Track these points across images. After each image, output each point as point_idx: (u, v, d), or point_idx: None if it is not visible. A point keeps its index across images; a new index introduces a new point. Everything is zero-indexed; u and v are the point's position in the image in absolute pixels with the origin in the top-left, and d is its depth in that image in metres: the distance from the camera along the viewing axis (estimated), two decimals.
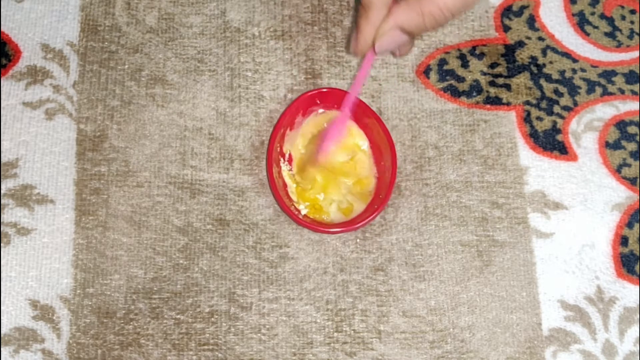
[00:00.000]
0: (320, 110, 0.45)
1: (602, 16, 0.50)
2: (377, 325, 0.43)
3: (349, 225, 0.43)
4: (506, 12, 0.50)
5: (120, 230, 0.43)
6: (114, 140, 0.45)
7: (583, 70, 0.49)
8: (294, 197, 0.44)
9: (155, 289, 0.42)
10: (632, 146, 0.47)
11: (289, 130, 0.45)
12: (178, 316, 0.42)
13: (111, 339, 0.41)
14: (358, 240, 0.44)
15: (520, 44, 0.49)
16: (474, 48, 0.49)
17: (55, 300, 0.42)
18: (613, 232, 0.45)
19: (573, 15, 0.50)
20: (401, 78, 0.48)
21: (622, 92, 0.49)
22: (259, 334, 0.42)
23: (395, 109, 0.47)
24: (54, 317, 0.42)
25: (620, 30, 0.50)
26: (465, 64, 0.48)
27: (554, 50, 0.49)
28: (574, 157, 0.47)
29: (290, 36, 0.48)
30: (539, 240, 0.45)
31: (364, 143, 0.45)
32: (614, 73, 0.49)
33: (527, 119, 0.47)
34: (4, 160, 0.44)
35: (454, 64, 0.48)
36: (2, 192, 0.43)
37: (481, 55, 0.48)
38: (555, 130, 0.47)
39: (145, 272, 0.43)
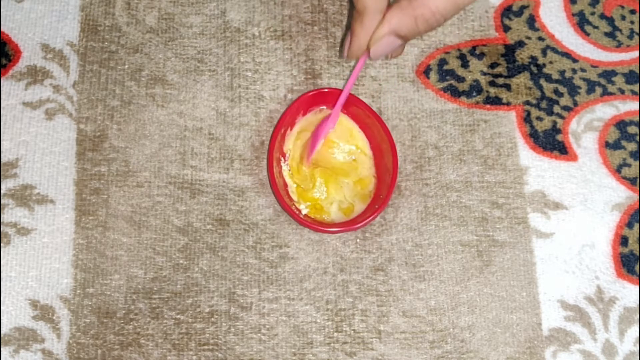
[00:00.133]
0: (318, 109, 0.45)
1: (602, 16, 0.50)
2: (377, 325, 0.43)
3: (350, 225, 0.43)
4: (506, 12, 0.50)
5: (120, 230, 0.43)
6: (114, 140, 0.45)
7: (583, 70, 0.49)
8: (294, 197, 0.44)
9: (155, 289, 0.42)
10: (632, 146, 0.47)
11: (289, 130, 0.45)
12: (178, 316, 0.42)
13: (111, 339, 0.41)
14: (358, 240, 0.44)
15: (520, 44, 0.49)
16: (474, 48, 0.49)
17: (55, 300, 0.42)
18: (613, 232, 0.45)
19: (573, 15, 0.50)
20: (401, 78, 0.48)
21: (622, 92, 0.49)
22: (259, 334, 0.42)
23: (395, 109, 0.47)
24: (54, 317, 0.42)
25: (620, 30, 0.50)
26: (465, 64, 0.48)
27: (554, 50, 0.49)
28: (574, 157, 0.47)
29: (290, 36, 0.48)
30: (539, 240, 0.45)
31: (365, 144, 0.45)
32: (614, 73, 0.49)
33: (527, 119, 0.47)
34: (4, 160, 0.44)
35: (454, 64, 0.48)
36: (2, 192, 0.43)
37: (481, 55, 0.48)
38: (555, 130, 0.47)
39: (145, 272, 0.43)
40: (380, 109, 0.47)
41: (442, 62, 0.48)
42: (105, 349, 0.41)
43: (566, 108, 0.48)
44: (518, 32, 0.49)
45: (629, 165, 0.47)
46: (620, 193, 0.46)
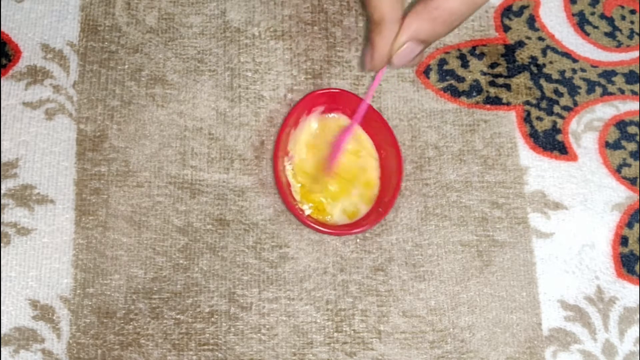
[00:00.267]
0: (320, 109, 0.45)
1: (602, 16, 0.50)
2: (377, 325, 0.43)
3: (353, 227, 0.43)
4: (506, 12, 0.50)
5: (120, 230, 0.43)
6: (114, 140, 0.45)
7: (583, 70, 0.49)
8: (297, 197, 0.44)
9: (155, 289, 0.42)
10: (632, 146, 0.47)
11: (293, 130, 0.45)
12: (178, 316, 0.42)
13: (111, 339, 0.41)
14: (358, 240, 0.44)
15: (520, 44, 0.49)
16: (474, 48, 0.49)
17: (55, 300, 0.42)
18: (613, 232, 0.45)
19: (573, 15, 0.50)
20: (401, 78, 0.48)
21: (622, 92, 0.49)
22: (259, 334, 0.42)
23: (395, 109, 0.47)
24: (54, 317, 0.42)
25: (620, 30, 0.50)
26: (465, 64, 0.48)
27: (554, 50, 0.49)
28: (574, 157, 0.47)
29: (290, 36, 0.48)
30: (539, 240, 0.45)
31: (372, 148, 0.45)
32: (614, 73, 0.49)
33: (527, 119, 0.47)
34: (4, 160, 0.44)
35: (454, 64, 0.48)
36: (2, 192, 0.43)
37: (481, 55, 0.48)
38: (555, 130, 0.47)
39: (145, 272, 0.43)
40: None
41: (442, 62, 0.48)
42: (105, 349, 0.41)
43: (566, 108, 0.48)
44: (518, 32, 0.49)
45: (629, 165, 0.47)
46: (620, 193, 0.46)
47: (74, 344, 0.41)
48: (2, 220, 0.43)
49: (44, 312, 0.42)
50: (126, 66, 0.46)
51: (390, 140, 0.44)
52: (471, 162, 0.46)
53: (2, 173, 0.44)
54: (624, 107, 0.48)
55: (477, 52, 0.49)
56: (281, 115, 0.46)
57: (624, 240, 0.45)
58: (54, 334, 0.41)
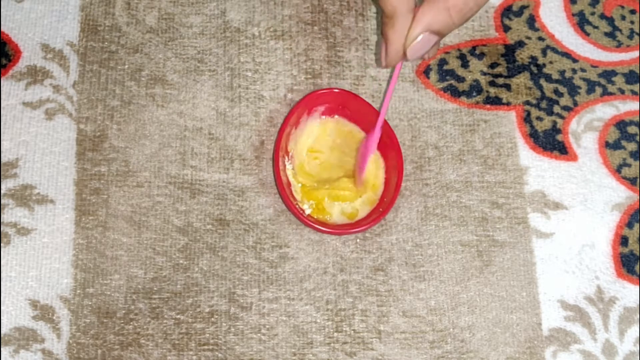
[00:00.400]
0: (321, 109, 0.45)
1: (602, 16, 0.50)
2: (377, 325, 0.43)
3: (354, 227, 0.43)
4: (506, 12, 0.50)
5: (120, 230, 0.43)
6: (114, 140, 0.45)
7: (583, 70, 0.49)
8: (297, 197, 0.44)
9: (155, 289, 0.42)
10: (632, 146, 0.47)
11: (294, 129, 0.45)
12: (178, 316, 0.42)
13: (111, 339, 0.41)
14: (358, 240, 0.44)
15: (520, 44, 0.49)
16: (474, 48, 0.49)
17: (55, 300, 0.42)
18: (613, 232, 0.45)
19: (573, 15, 0.50)
20: (401, 78, 0.48)
21: (622, 92, 0.49)
22: (259, 334, 0.42)
23: (395, 109, 0.47)
24: (54, 317, 0.42)
25: (620, 30, 0.50)
26: (465, 64, 0.48)
27: (554, 50, 0.49)
28: (574, 157, 0.47)
29: (290, 36, 0.48)
30: (539, 240, 0.45)
31: (379, 155, 0.45)
32: (614, 73, 0.49)
33: (527, 119, 0.47)
34: (4, 160, 0.44)
35: (454, 64, 0.48)
36: (2, 192, 0.43)
37: (481, 55, 0.48)
38: (555, 130, 0.47)
39: (145, 272, 0.43)
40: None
41: (442, 62, 0.48)
42: (105, 349, 0.41)
43: (566, 108, 0.48)
44: (518, 32, 0.49)
45: (629, 165, 0.47)
46: (620, 193, 0.46)
47: (74, 344, 0.41)
48: (2, 220, 0.43)
49: (44, 312, 0.42)
50: (126, 66, 0.46)
51: (392, 141, 0.44)
52: (471, 162, 0.46)
53: (2, 173, 0.44)
54: (624, 107, 0.48)
55: (477, 52, 0.49)
56: (281, 115, 0.46)
57: (624, 240, 0.45)
58: (54, 334, 0.41)
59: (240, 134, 0.46)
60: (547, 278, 0.44)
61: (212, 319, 0.42)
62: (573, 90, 0.48)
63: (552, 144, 0.47)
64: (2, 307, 0.41)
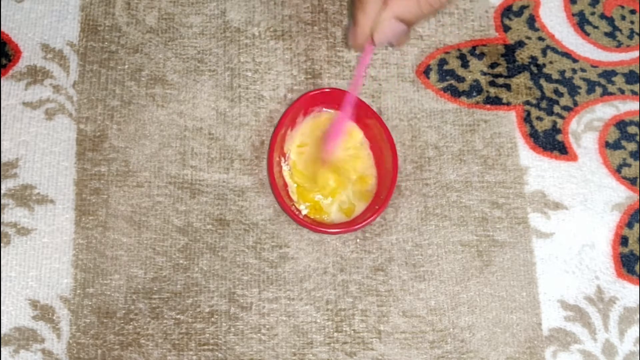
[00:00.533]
0: (320, 110, 0.45)
1: (602, 16, 0.50)
2: (377, 325, 0.43)
3: (350, 225, 0.43)
4: (506, 12, 0.50)
5: (120, 230, 0.43)
6: (114, 140, 0.45)
7: (583, 70, 0.49)
8: (294, 197, 0.44)
9: (155, 289, 0.42)
10: (632, 146, 0.47)
11: (289, 130, 0.45)
12: (178, 316, 0.42)
13: (111, 339, 0.41)
14: (358, 240, 0.44)
15: (520, 44, 0.49)
16: (474, 48, 0.49)
17: (55, 300, 0.42)
18: (613, 232, 0.45)
19: (573, 15, 0.50)
20: (401, 78, 0.48)
21: (622, 92, 0.49)
22: (259, 334, 0.42)
23: (395, 109, 0.47)
24: (54, 317, 0.42)
25: (620, 30, 0.50)
26: (465, 64, 0.48)
27: (554, 50, 0.49)
28: (574, 157, 0.47)
29: (290, 36, 0.48)
30: (539, 240, 0.45)
31: (365, 144, 0.45)
32: (614, 73, 0.49)
33: (527, 119, 0.47)
34: (4, 160, 0.44)
35: (454, 64, 0.48)
36: (2, 192, 0.43)
37: (481, 55, 0.48)
38: (555, 130, 0.47)
39: (145, 272, 0.43)
40: (380, 109, 0.47)
41: (442, 62, 0.48)
42: (105, 349, 0.41)
43: (566, 108, 0.48)
44: (518, 32, 0.49)
45: (629, 165, 0.47)
46: (620, 193, 0.46)
47: (74, 344, 0.41)
48: (2, 220, 0.43)
49: (44, 312, 0.42)
50: (126, 66, 0.46)
51: (384, 135, 0.44)
52: (471, 162, 0.46)
53: (2, 173, 0.44)
54: (624, 107, 0.48)
55: (477, 52, 0.49)
56: (281, 115, 0.46)
57: (624, 240, 0.45)
58: (54, 334, 0.41)
59: (240, 134, 0.46)
60: (547, 278, 0.44)
61: (212, 319, 0.42)
62: (573, 90, 0.48)
63: (552, 144, 0.47)
64: (2, 307, 0.41)
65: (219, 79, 0.46)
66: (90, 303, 0.42)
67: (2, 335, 0.41)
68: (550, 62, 0.49)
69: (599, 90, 0.48)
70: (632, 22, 0.50)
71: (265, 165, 0.45)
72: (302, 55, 0.47)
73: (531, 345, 0.43)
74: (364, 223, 0.42)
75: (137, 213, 0.44)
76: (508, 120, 0.47)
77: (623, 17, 0.50)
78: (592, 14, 0.50)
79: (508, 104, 0.48)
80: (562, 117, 0.48)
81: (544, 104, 0.48)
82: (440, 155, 0.46)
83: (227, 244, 0.43)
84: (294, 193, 0.44)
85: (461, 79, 0.48)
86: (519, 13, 0.50)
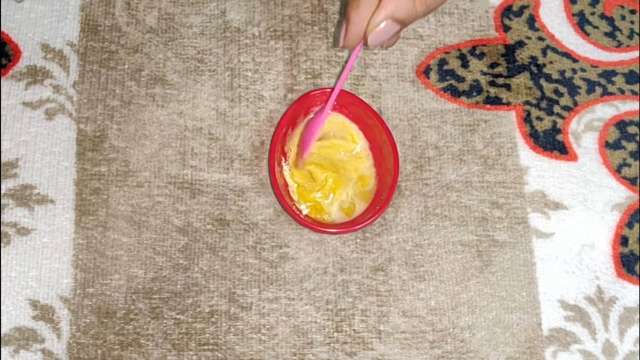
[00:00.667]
0: (318, 110, 0.45)
1: (602, 16, 0.50)
2: (377, 325, 0.43)
3: (350, 225, 0.43)
4: (506, 12, 0.50)
5: (120, 230, 0.43)
6: (114, 140, 0.45)
7: (583, 70, 0.49)
8: (295, 197, 0.44)
9: (155, 289, 0.42)
10: (632, 146, 0.47)
11: (290, 130, 0.45)
12: (178, 316, 0.42)
13: (111, 339, 0.41)
14: (358, 240, 0.44)
15: (520, 44, 0.49)
16: (474, 48, 0.49)
17: (55, 300, 0.42)
18: (613, 232, 0.45)
19: (573, 15, 0.50)
20: (401, 78, 0.48)
21: (622, 92, 0.49)
22: (259, 334, 0.42)
23: (395, 109, 0.47)
24: (54, 317, 0.42)
25: (620, 30, 0.50)
26: (465, 64, 0.48)
27: (554, 50, 0.49)
28: (574, 157, 0.47)
29: (290, 36, 0.48)
30: (539, 240, 0.45)
31: (365, 145, 0.45)
32: (614, 73, 0.49)
33: (527, 119, 0.47)
34: (4, 160, 0.44)
35: (454, 64, 0.48)
36: (2, 192, 0.43)
37: (481, 55, 0.48)
38: (555, 130, 0.47)
39: (145, 272, 0.43)
40: (380, 109, 0.47)
41: (442, 62, 0.48)
42: (105, 349, 0.41)
43: (566, 108, 0.48)
44: (518, 32, 0.49)
45: (629, 165, 0.47)
46: (620, 193, 0.46)
47: (74, 344, 0.41)
48: (2, 220, 0.43)
49: (44, 312, 0.42)
50: (126, 66, 0.46)
51: (385, 135, 0.44)
52: (471, 162, 0.46)
53: (2, 173, 0.44)
54: (624, 107, 0.48)
55: (477, 52, 0.49)
56: (281, 115, 0.46)
57: (624, 240, 0.45)
58: (54, 334, 0.41)
59: (240, 134, 0.46)
60: (547, 278, 0.44)
61: (212, 319, 0.42)
62: (573, 90, 0.48)
63: (552, 144, 0.47)
64: (2, 307, 0.41)
65: (219, 79, 0.46)
66: (90, 303, 0.42)
67: (2, 335, 0.41)
68: (550, 62, 0.49)
69: (599, 90, 0.48)
70: (632, 22, 0.50)
71: (265, 165, 0.45)
72: (302, 55, 0.47)
73: (531, 345, 0.43)
74: (364, 223, 0.42)
75: (137, 213, 0.44)
76: (508, 120, 0.47)
77: (623, 17, 0.50)
78: (592, 14, 0.50)
79: (508, 104, 0.48)
80: (562, 117, 0.48)
81: (544, 104, 0.48)
82: (440, 155, 0.46)
83: (227, 244, 0.43)
84: (294, 193, 0.44)
85: (461, 79, 0.48)
86: (519, 13, 0.50)
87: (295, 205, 0.44)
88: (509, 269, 0.44)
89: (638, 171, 0.47)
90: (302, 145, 0.44)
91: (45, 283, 0.42)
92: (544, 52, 0.49)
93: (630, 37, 0.50)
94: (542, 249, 0.45)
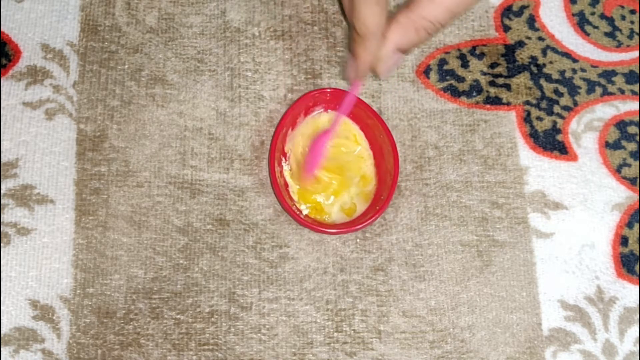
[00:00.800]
0: (319, 111, 0.45)
1: (602, 16, 0.50)
2: (377, 325, 0.43)
3: (351, 226, 0.43)
4: (506, 12, 0.50)
5: (120, 230, 0.43)
6: (114, 140, 0.45)
7: (583, 70, 0.49)
8: (295, 197, 0.44)
9: (155, 289, 0.42)
10: (632, 146, 0.47)
11: (290, 130, 0.45)
12: (178, 316, 0.42)
13: (111, 339, 0.41)
14: (358, 240, 0.44)
15: (520, 44, 0.49)
16: (474, 48, 0.49)
17: (55, 300, 0.42)
18: (613, 232, 0.45)
19: (573, 15, 0.50)
20: (401, 78, 0.48)
21: (622, 92, 0.49)
22: (259, 334, 0.42)
23: (395, 109, 0.47)
24: (54, 317, 0.42)
25: (620, 30, 0.50)
26: (465, 64, 0.48)
27: (554, 50, 0.49)
28: (574, 157, 0.47)
29: (290, 36, 0.48)
30: (539, 240, 0.45)
31: (365, 145, 0.45)
32: (614, 73, 0.49)
33: (527, 119, 0.47)
34: (4, 160, 0.44)
35: (454, 64, 0.48)
36: (2, 192, 0.43)
37: (481, 55, 0.48)
38: (555, 130, 0.47)
39: (145, 272, 0.43)
40: (380, 109, 0.47)
41: (442, 62, 0.48)
42: (105, 349, 0.41)
43: (566, 108, 0.48)
44: (518, 32, 0.49)
45: (629, 165, 0.47)
46: (620, 193, 0.46)
47: (74, 344, 0.41)
48: (2, 220, 0.43)
49: (44, 312, 0.42)
50: (126, 66, 0.46)
51: (385, 136, 0.44)
52: (471, 162, 0.46)
53: (2, 173, 0.44)
54: (624, 107, 0.48)
55: (477, 52, 0.49)
56: (281, 115, 0.46)
57: (624, 240, 0.45)
58: (54, 334, 0.41)
59: (240, 134, 0.46)
60: (547, 278, 0.44)
61: (212, 319, 0.42)
62: (573, 90, 0.48)
63: (552, 144, 0.47)
64: (2, 307, 0.41)
65: (219, 79, 0.46)
66: (90, 303, 0.42)
67: (2, 335, 0.41)
68: (550, 62, 0.49)
69: (599, 90, 0.48)
70: (632, 22, 0.50)
71: (265, 165, 0.45)
72: (302, 55, 0.47)
73: (531, 345, 0.43)
74: (364, 223, 0.42)
75: (137, 213, 0.44)
76: (508, 120, 0.47)
77: (623, 17, 0.50)
78: (592, 14, 0.50)
79: (508, 104, 0.48)
80: (562, 117, 0.48)
81: (544, 104, 0.48)
82: (440, 155, 0.46)
83: (227, 244, 0.44)
84: (294, 193, 0.44)
85: (461, 79, 0.48)
86: (519, 13, 0.50)
87: (296, 206, 0.44)
88: (509, 269, 0.44)
89: (638, 171, 0.47)
90: (308, 167, 0.44)
91: (45, 283, 0.42)
92: (544, 52, 0.49)
93: (630, 37, 0.50)
94: (542, 249, 0.45)
